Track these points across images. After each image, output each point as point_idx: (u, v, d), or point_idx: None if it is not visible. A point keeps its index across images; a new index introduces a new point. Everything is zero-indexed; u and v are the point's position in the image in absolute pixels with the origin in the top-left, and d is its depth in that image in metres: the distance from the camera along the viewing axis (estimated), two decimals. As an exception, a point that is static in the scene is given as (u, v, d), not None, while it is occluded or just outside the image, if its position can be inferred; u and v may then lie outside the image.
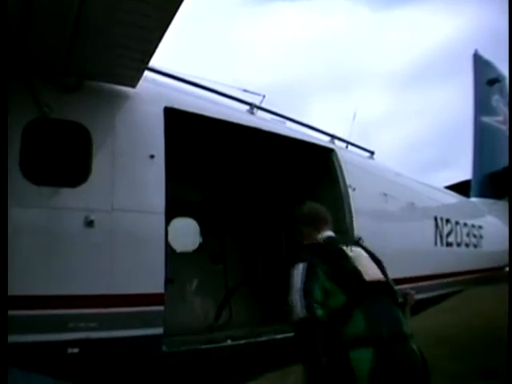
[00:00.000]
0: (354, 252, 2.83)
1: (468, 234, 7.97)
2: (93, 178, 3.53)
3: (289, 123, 5.57)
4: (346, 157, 5.65)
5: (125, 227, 3.59)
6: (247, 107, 5.15)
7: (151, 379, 3.73)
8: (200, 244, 5.72)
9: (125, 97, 3.82)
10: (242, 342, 4.15)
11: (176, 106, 4.13)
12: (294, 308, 2.65)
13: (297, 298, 2.65)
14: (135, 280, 3.57)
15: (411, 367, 2.56)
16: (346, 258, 2.76)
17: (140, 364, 3.59)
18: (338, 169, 5.34)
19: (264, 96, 5.37)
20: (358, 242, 3.04)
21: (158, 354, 3.64)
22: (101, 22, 2.99)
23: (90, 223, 3.40)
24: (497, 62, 10.74)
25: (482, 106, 10.45)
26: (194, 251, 5.75)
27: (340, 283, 2.64)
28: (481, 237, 8.32)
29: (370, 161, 6.85)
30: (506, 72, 10.29)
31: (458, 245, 7.62)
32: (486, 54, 10.73)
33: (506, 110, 10.59)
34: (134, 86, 3.78)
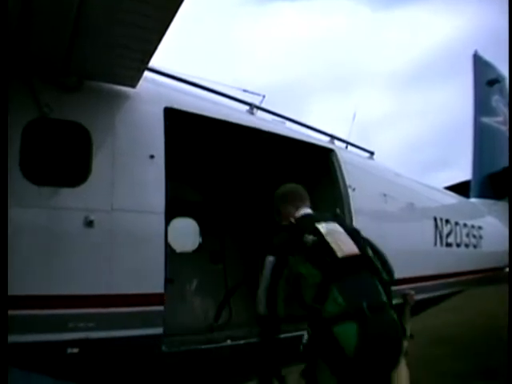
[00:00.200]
0: (328, 228, 2.85)
1: (468, 235, 7.96)
2: (93, 178, 3.53)
3: (288, 123, 5.57)
4: (346, 157, 5.66)
5: (125, 227, 3.59)
6: (247, 107, 5.15)
7: (151, 379, 3.73)
8: (200, 244, 5.72)
9: (125, 97, 3.82)
10: (242, 342, 4.15)
11: (176, 106, 4.13)
12: (258, 303, 2.84)
13: (262, 294, 2.83)
14: (135, 280, 3.56)
15: (393, 336, 2.66)
16: (319, 234, 2.78)
17: (140, 364, 3.59)
18: (337, 169, 5.34)
19: (264, 96, 5.38)
20: (335, 217, 3.04)
21: (157, 353, 3.64)
22: (101, 22, 2.99)
23: (89, 223, 3.40)
24: (497, 62, 10.75)
25: (481, 106, 10.45)
26: (194, 251, 5.75)
27: (314, 262, 2.70)
28: (480, 237, 8.32)
29: (370, 161, 6.86)
30: (505, 72, 10.30)
31: (458, 245, 7.62)
32: (486, 54, 10.74)
33: (505, 111, 10.59)
34: (134, 86, 3.78)
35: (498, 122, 10.64)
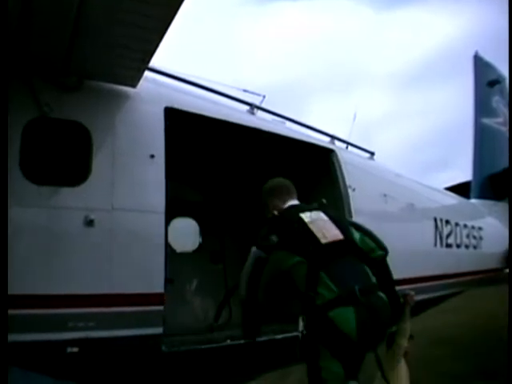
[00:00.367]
0: (312, 217, 2.92)
1: (468, 236, 7.96)
2: (93, 177, 3.53)
3: (289, 123, 5.57)
4: (346, 157, 5.66)
5: (125, 227, 3.59)
6: (247, 107, 5.15)
7: (151, 379, 3.73)
8: (200, 244, 5.72)
9: (125, 96, 3.82)
10: (242, 341, 4.15)
11: (176, 105, 4.13)
12: (240, 288, 2.99)
13: (243, 281, 2.96)
14: (135, 280, 3.57)
15: (385, 316, 2.78)
16: (302, 224, 2.86)
17: (139, 364, 3.59)
18: (337, 169, 5.34)
19: (264, 96, 5.38)
20: (320, 206, 3.10)
21: (157, 353, 3.64)
22: (101, 21, 3.00)
23: (89, 223, 3.41)
24: (498, 62, 10.74)
25: (482, 107, 10.44)
26: (194, 251, 5.75)
27: (299, 251, 2.77)
28: (481, 238, 8.31)
29: (370, 161, 6.85)
30: (506, 73, 10.29)
31: (458, 246, 7.62)
32: (487, 54, 10.73)
33: (506, 111, 10.58)
34: (134, 85, 3.78)
35: (499, 122, 10.63)
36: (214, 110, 4.56)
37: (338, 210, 5.14)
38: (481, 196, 9.73)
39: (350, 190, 5.24)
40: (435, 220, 7.07)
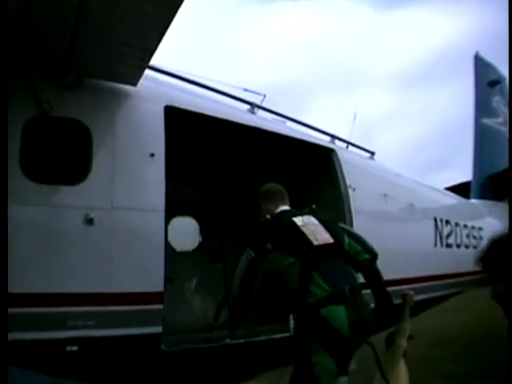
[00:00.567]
0: (304, 221, 3.09)
1: (468, 236, 7.95)
2: (93, 175, 3.53)
3: (289, 123, 5.56)
4: (347, 157, 5.65)
5: (125, 225, 3.59)
6: (248, 106, 5.14)
7: (150, 378, 3.73)
8: (200, 243, 5.72)
9: (125, 95, 3.81)
10: (242, 341, 4.15)
11: (176, 104, 4.12)
12: (234, 287, 3.09)
13: (237, 280, 3.06)
14: (135, 278, 3.56)
15: (368, 315, 2.91)
16: (295, 227, 3.02)
17: (139, 363, 3.59)
18: (338, 169, 5.33)
19: (265, 95, 5.37)
20: (310, 211, 3.25)
21: (156, 352, 3.64)
22: (101, 20, 2.99)
23: (89, 221, 3.40)
24: (498, 63, 10.73)
25: (482, 107, 10.43)
26: (194, 250, 5.74)
27: (292, 252, 2.91)
28: (481, 238, 8.30)
29: (371, 161, 6.84)
30: (506, 73, 10.28)
31: (458, 246, 7.61)
32: (488, 54, 10.72)
33: (506, 111, 10.57)
34: (134, 84, 3.77)
35: (499, 123, 10.63)
36: (214, 109, 4.55)
37: (338, 210, 5.15)
38: (481, 196, 9.73)
39: (350, 190, 5.23)
40: (435, 220, 7.06)
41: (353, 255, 3.07)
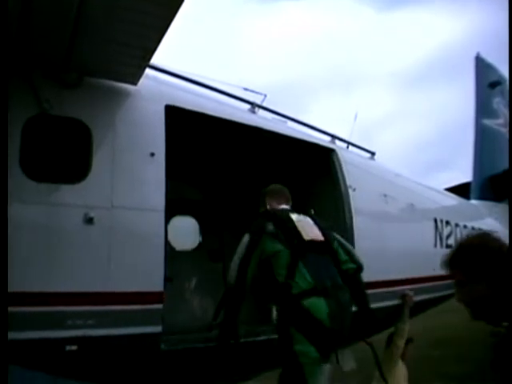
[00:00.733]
0: (299, 218, 3.35)
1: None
2: (93, 175, 3.52)
3: (290, 123, 5.56)
4: (347, 157, 5.64)
5: (124, 225, 3.58)
6: (248, 106, 5.14)
7: (149, 377, 3.73)
8: (199, 242, 5.71)
9: (126, 94, 3.81)
10: (241, 340, 4.14)
11: (177, 104, 4.12)
12: (230, 272, 3.23)
13: (234, 267, 3.19)
14: (134, 278, 3.55)
15: (348, 311, 3.16)
16: (290, 221, 3.27)
17: (138, 362, 3.59)
18: (338, 169, 5.33)
19: (265, 95, 5.36)
20: (307, 214, 3.49)
21: (156, 352, 3.63)
22: (100, 19, 2.98)
23: (89, 220, 3.39)
24: (499, 64, 10.74)
25: (483, 108, 10.44)
26: (194, 250, 5.74)
27: (284, 242, 3.13)
28: (481, 239, 8.29)
29: (371, 161, 6.84)
30: (507, 74, 10.28)
31: (458, 247, 7.60)
32: (489, 55, 10.73)
33: (506, 113, 10.57)
34: (134, 83, 3.77)
35: (499, 124, 10.63)
36: (214, 109, 4.55)
37: (338, 210, 5.14)
38: (481, 197, 9.73)
39: (350, 190, 5.23)
40: (435, 221, 7.06)
41: (339, 263, 3.28)
